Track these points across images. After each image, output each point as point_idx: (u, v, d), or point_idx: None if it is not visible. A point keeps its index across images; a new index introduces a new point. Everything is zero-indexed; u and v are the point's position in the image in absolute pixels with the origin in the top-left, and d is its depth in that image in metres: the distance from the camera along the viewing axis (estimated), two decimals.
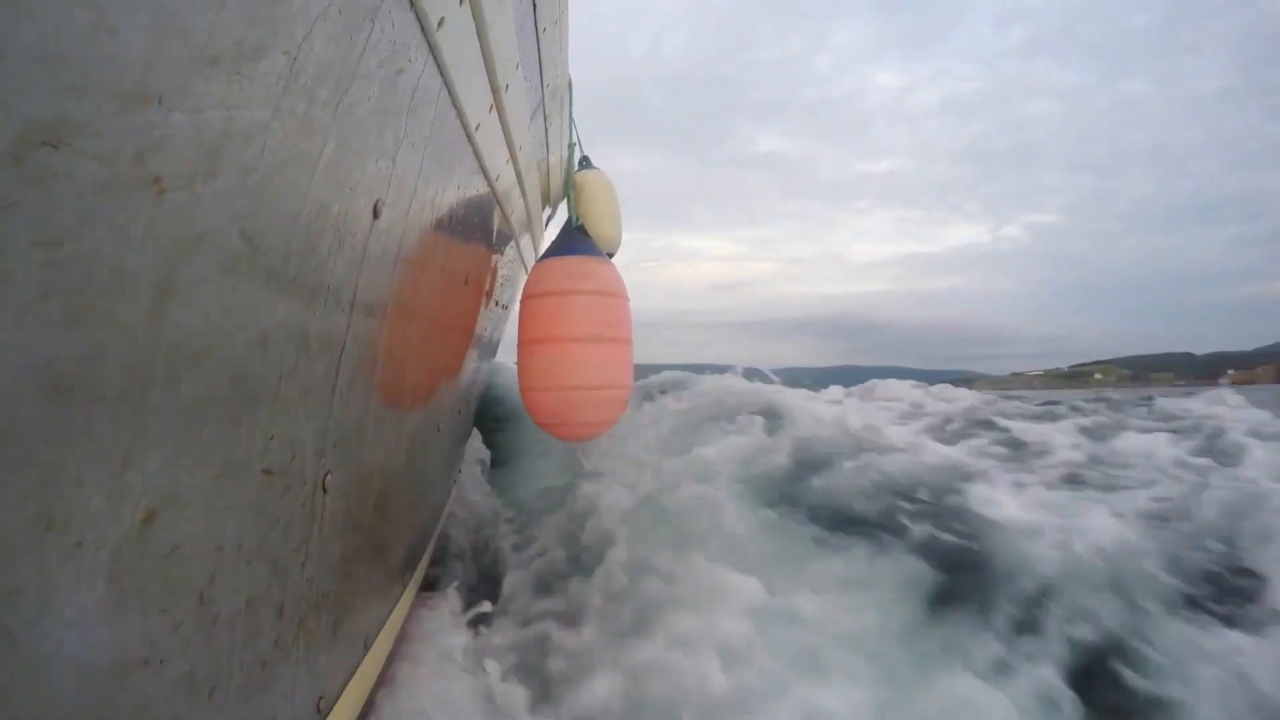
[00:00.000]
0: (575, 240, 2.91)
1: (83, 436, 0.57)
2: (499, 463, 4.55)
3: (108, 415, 0.59)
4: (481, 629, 2.24)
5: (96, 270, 0.55)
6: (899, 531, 2.69)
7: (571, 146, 3.29)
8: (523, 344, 2.71)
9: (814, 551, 2.65)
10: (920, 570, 2.40)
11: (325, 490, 1.07)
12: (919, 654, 2.01)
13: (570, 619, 2.36)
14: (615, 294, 2.74)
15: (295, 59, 0.75)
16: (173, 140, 0.60)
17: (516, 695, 1.83)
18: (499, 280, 2.89)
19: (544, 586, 2.75)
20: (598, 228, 3.19)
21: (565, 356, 2.61)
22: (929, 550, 2.52)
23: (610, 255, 3.40)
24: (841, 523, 2.80)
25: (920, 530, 2.66)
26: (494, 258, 2.59)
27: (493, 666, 1.91)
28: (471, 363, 2.69)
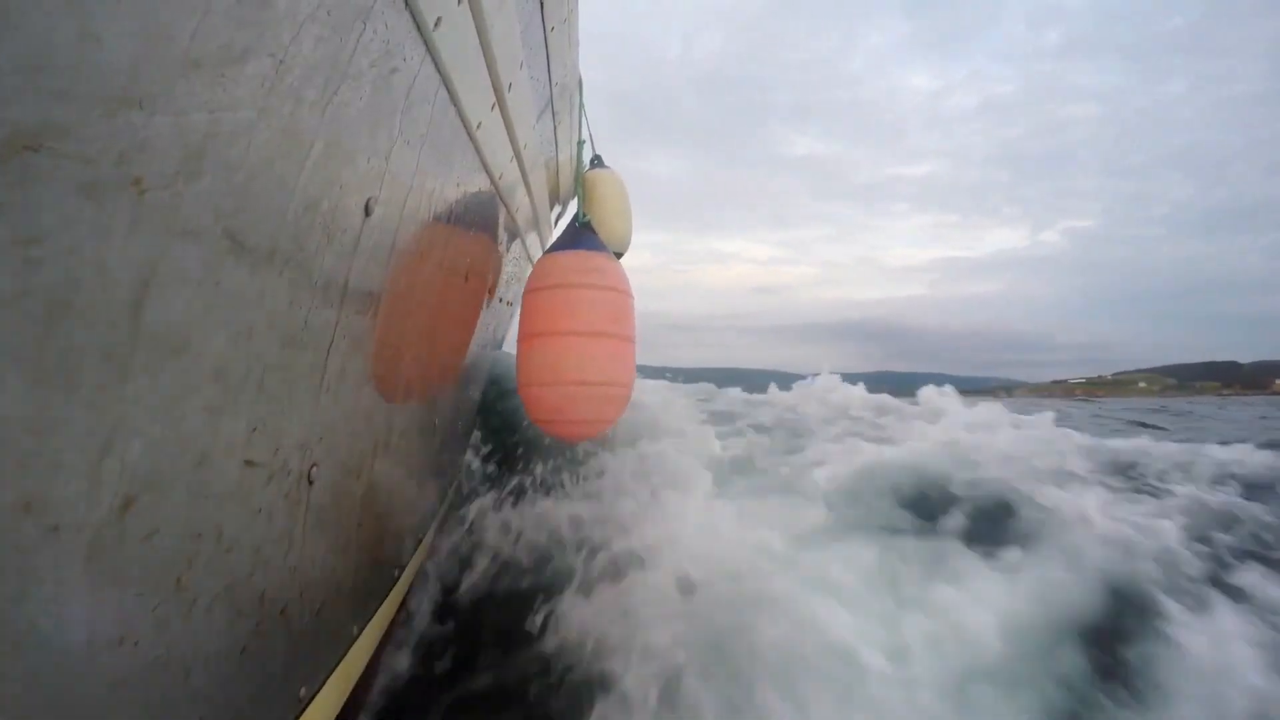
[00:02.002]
0: (580, 236, 2.89)
1: (61, 425, 0.59)
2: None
3: (86, 405, 0.61)
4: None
5: (76, 267, 0.57)
6: None
7: (581, 144, 3.30)
8: (523, 338, 2.65)
9: None
10: None
11: (311, 482, 1.09)
12: None
13: None
14: (620, 290, 2.67)
15: (282, 61, 0.77)
16: (154, 143, 0.62)
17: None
18: (503, 277, 2.91)
19: None
20: (608, 226, 3.19)
21: (567, 351, 2.54)
22: None
23: (620, 254, 3.40)
24: None
25: None
26: (498, 255, 2.60)
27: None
28: (473, 359, 2.71)
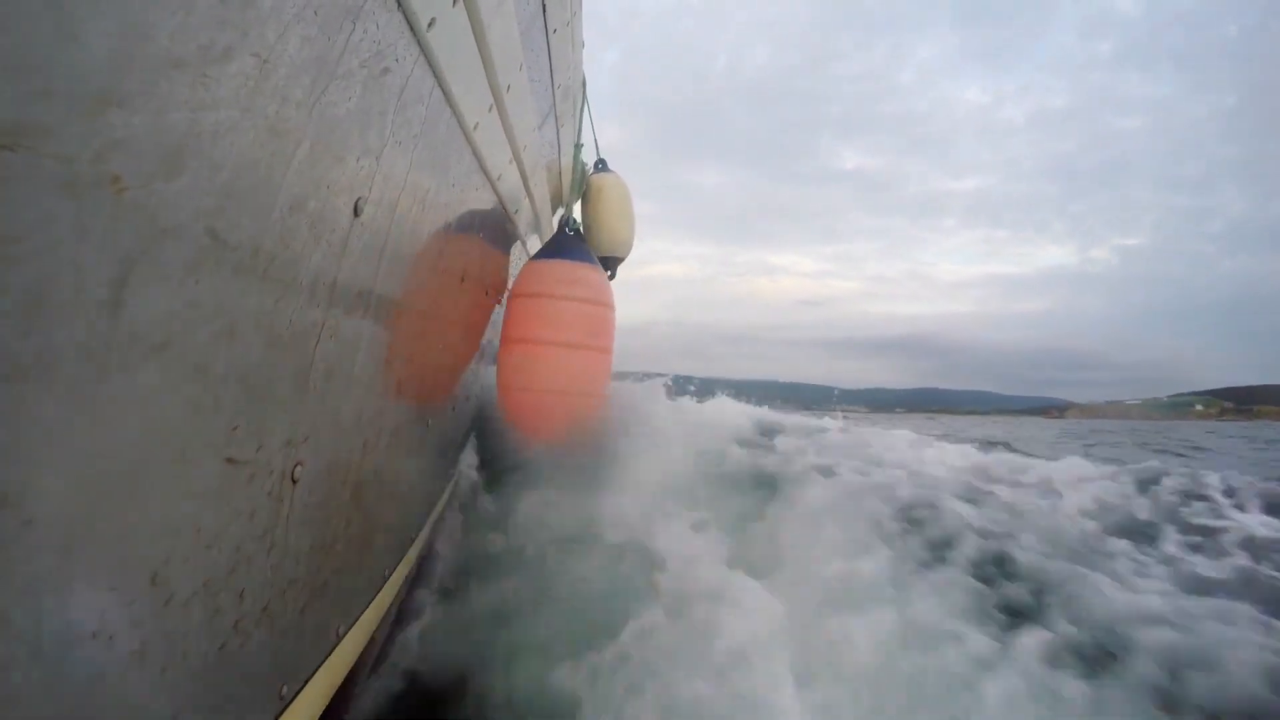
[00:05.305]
0: (568, 245, 2.98)
1: (36, 419, 0.59)
2: None
3: (62, 399, 0.61)
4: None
5: (52, 265, 0.58)
6: None
7: (578, 147, 3.31)
8: (504, 341, 2.80)
9: None
10: None
11: (294, 481, 1.09)
12: None
13: None
14: (601, 303, 2.82)
15: (266, 60, 0.77)
16: (133, 141, 0.62)
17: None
18: (503, 279, 2.92)
19: None
20: (610, 230, 3.24)
21: (545, 360, 2.69)
22: None
23: (622, 258, 3.43)
24: None
25: None
26: (496, 256, 2.61)
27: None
28: (468, 360, 2.72)
